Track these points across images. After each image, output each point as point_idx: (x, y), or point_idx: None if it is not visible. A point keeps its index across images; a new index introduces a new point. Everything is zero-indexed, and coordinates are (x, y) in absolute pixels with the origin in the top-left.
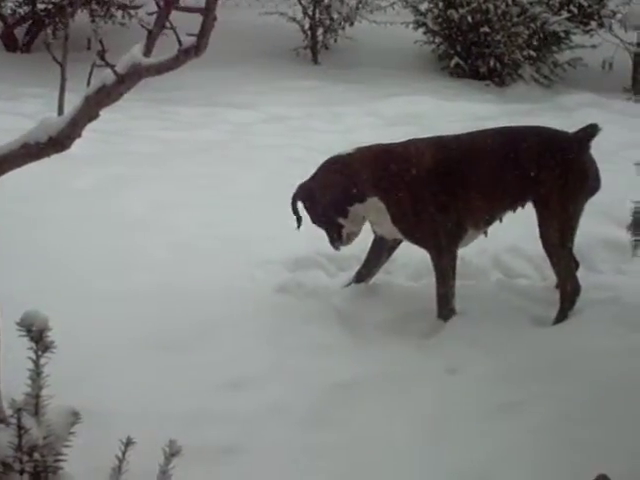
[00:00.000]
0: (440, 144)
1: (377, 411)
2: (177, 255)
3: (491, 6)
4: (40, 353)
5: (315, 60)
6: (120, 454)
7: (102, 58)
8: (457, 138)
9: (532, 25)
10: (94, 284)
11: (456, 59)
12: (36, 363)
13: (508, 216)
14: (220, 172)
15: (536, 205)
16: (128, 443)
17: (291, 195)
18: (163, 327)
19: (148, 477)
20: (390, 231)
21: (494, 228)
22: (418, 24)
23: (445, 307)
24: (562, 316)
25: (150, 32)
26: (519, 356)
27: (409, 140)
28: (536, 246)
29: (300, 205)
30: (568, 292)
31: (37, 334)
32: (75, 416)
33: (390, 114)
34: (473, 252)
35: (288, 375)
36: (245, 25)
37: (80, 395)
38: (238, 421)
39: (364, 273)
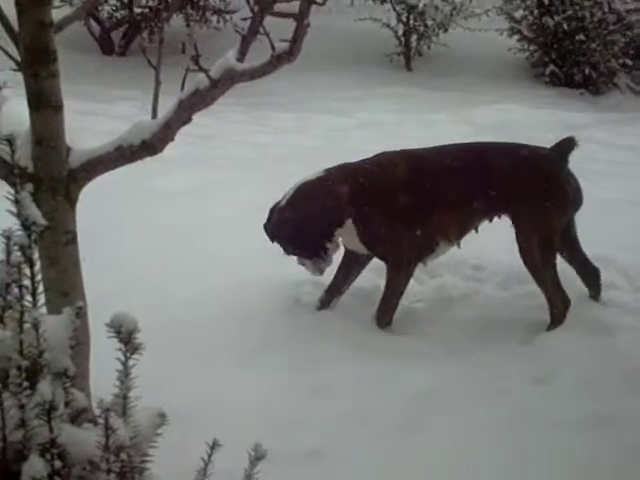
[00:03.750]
0: (413, 157)
1: (461, 419)
2: (266, 259)
3: (587, 14)
4: (128, 354)
5: (408, 67)
6: (205, 456)
7: (196, 63)
8: (429, 151)
9: (628, 33)
10: (183, 286)
11: (551, 67)
12: (124, 364)
13: (597, 224)
14: None
15: (513, 222)
16: (214, 445)
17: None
18: (250, 330)
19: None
20: (358, 247)
21: (584, 237)
22: (513, 31)
23: (385, 317)
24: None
25: (244, 37)
26: (605, 367)
27: (380, 154)
28: (630, 256)
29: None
30: (559, 307)
31: (126, 335)
32: (162, 418)
33: (482, 122)
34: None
35: (373, 381)
36: (339, 31)
37: (166, 397)
38: (323, 426)
39: (329, 294)
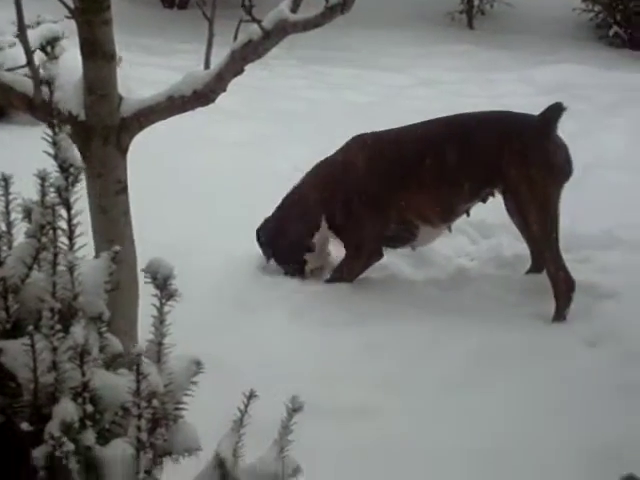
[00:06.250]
0: (377, 142)
1: (511, 378)
2: None
3: None
4: (164, 301)
5: (470, 25)
6: (244, 407)
7: (249, 13)
8: (399, 132)
9: None
10: (237, 237)
11: (615, 28)
12: (160, 310)
13: None
14: None
15: (505, 196)
16: (251, 396)
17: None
18: (297, 285)
19: (272, 431)
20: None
21: None
22: None
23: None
24: (559, 316)
25: None
26: None
27: (347, 143)
28: None
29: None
30: (562, 288)
31: (161, 281)
32: (197, 365)
33: (543, 82)
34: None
35: (422, 338)
36: None
37: (210, 348)
38: (372, 383)
39: None
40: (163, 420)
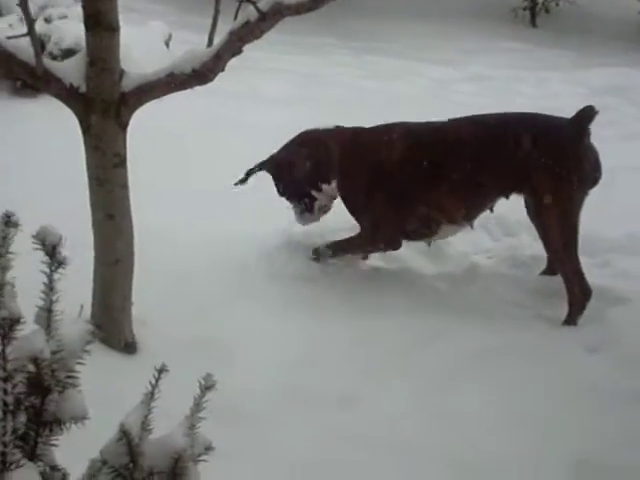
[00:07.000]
0: (414, 133)
1: (504, 380)
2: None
3: None
4: (53, 268)
5: (533, 22)
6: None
7: None
8: (435, 127)
9: None
10: (247, 220)
11: None
12: (49, 277)
13: None
14: None
15: (529, 199)
16: (161, 370)
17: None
18: (304, 273)
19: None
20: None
21: None
22: None
23: (323, 252)
24: (570, 320)
25: None
26: None
27: (386, 125)
28: None
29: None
30: (577, 296)
31: (50, 249)
32: (91, 334)
33: (597, 84)
34: None
35: (422, 334)
36: None
37: (211, 327)
38: (358, 373)
39: None
40: (56, 387)
